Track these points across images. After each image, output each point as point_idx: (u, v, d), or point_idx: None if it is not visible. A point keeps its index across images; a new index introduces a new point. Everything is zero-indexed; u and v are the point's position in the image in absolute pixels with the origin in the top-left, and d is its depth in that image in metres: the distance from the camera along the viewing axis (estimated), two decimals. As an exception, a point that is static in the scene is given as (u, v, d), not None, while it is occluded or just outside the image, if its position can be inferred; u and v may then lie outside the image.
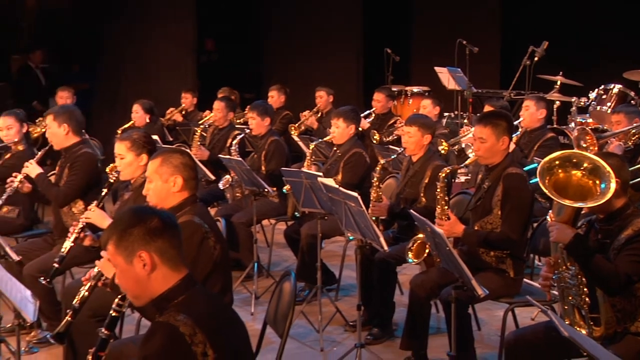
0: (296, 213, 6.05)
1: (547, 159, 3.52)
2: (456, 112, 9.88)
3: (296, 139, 8.36)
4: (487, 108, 7.07)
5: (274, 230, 6.87)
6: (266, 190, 6.09)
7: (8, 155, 6.13)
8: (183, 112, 9.71)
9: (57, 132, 5.29)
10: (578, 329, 3.46)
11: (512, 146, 5.20)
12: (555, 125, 8.07)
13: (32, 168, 5.29)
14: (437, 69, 10.28)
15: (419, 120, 5.39)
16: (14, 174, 5.35)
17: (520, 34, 12.04)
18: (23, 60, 12.74)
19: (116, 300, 2.68)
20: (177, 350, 2.31)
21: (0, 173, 5.96)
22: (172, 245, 2.49)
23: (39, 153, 5.47)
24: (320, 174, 5.35)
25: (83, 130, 5.63)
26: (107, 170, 5.30)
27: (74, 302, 3.62)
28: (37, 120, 8.54)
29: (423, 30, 13.35)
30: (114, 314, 2.68)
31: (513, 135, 5.43)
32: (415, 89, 10.52)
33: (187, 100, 9.83)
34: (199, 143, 7.57)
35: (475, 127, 4.59)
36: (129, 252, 2.45)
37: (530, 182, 4.50)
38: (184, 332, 2.32)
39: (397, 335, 5.18)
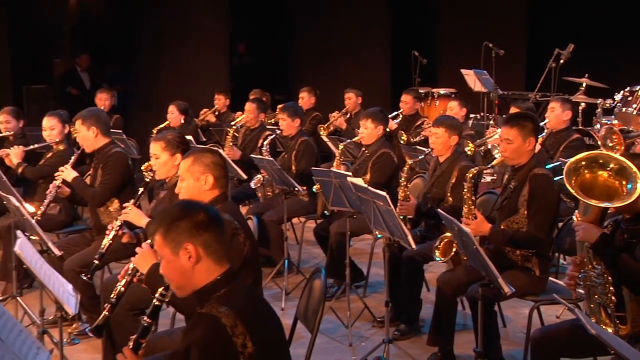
0: (325, 211, 6.05)
1: (573, 159, 3.48)
2: (482, 114, 9.81)
3: (325, 139, 8.36)
4: (513, 110, 7.02)
5: (303, 228, 6.89)
6: (296, 189, 6.10)
7: (50, 154, 6.22)
8: (216, 113, 9.76)
9: (86, 135, 5.33)
10: (604, 327, 3.42)
11: (538, 147, 5.16)
12: (580, 127, 7.99)
13: (68, 172, 5.35)
14: (463, 71, 10.23)
15: (446, 121, 5.36)
16: (52, 184, 5.38)
17: (546, 36, 11.92)
18: (68, 63, 12.89)
19: (160, 289, 2.69)
20: (219, 341, 2.33)
21: (42, 171, 6.08)
22: (217, 240, 2.51)
23: (73, 158, 5.50)
24: (349, 173, 5.35)
25: (111, 131, 5.66)
26: (143, 169, 5.35)
27: (111, 296, 3.66)
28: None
29: (449, 34, 13.27)
30: (156, 303, 2.70)
31: (539, 137, 5.38)
32: (442, 91, 10.49)
33: (220, 101, 9.89)
34: (231, 143, 7.60)
35: (501, 129, 4.55)
36: (176, 243, 2.47)
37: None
38: (225, 323, 2.34)
39: (423, 331, 5.16)
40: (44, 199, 5.49)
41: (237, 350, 2.33)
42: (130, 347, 2.61)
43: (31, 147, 6.38)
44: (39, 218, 5.18)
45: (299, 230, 7.08)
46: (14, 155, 6.12)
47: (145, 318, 2.69)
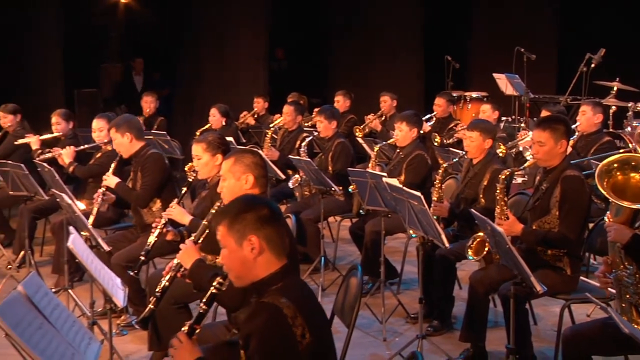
0: (361, 211, 6.03)
1: (605, 161, 3.44)
2: (513, 117, 9.73)
3: (360, 140, 8.35)
4: (544, 113, 6.94)
5: (339, 227, 6.89)
6: (333, 189, 6.10)
7: (99, 155, 6.32)
8: (255, 116, 9.81)
9: (122, 142, 5.39)
10: (636, 326, 3.36)
11: (569, 149, 5.10)
12: (611, 130, 7.87)
13: (110, 179, 5.41)
14: (495, 75, 10.15)
15: (480, 125, 5.32)
16: (97, 192, 5.44)
17: (576, 41, 11.77)
18: (116, 68, 13.07)
19: (217, 278, 2.69)
20: (280, 329, 2.33)
21: (92, 171, 6.16)
22: (278, 235, 2.52)
23: (113, 165, 5.53)
24: (385, 174, 5.34)
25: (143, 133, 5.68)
26: (186, 169, 5.39)
27: (156, 290, 3.70)
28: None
29: (481, 39, 13.19)
30: (213, 291, 2.69)
31: (570, 139, 5.31)
32: (474, 94, 10.43)
33: (259, 104, 9.93)
34: (270, 144, 7.64)
35: (534, 131, 4.51)
36: (240, 234, 2.48)
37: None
38: (287, 314, 2.35)
39: (455, 327, 5.14)
40: (93, 197, 5.57)
41: (296, 341, 2.33)
42: (185, 331, 2.61)
43: (81, 147, 6.50)
44: (93, 215, 5.24)
45: (335, 228, 7.09)
46: (66, 155, 6.24)
47: (201, 305, 2.69)
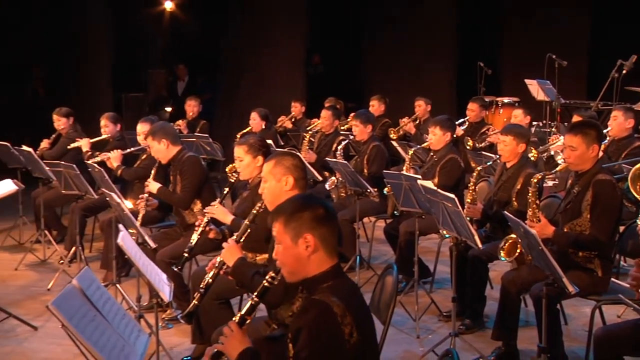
0: (395, 212, 6.03)
1: (638, 165, 3.39)
2: (544, 121, 9.62)
3: (395, 144, 8.33)
4: (576, 118, 6.85)
5: (374, 227, 6.89)
6: (368, 190, 6.10)
7: (144, 156, 6.40)
8: (293, 120, 9.83)
9: (159, 148, 5.43)
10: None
11: (600, 154, 5.03)
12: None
13: (152, 185, 5.47)
14: (527, 81, 10.06)
15: (514, 129, 5.27)
16: (140, 196, 5.50)
17: (607, 47, 11.60)
18: (160, 74, 13.22)
19: (270, 272, 2.69)
20: (329, 326, 2.33)
21: (137, 173, 6.23)
22: (332, 234, 2.51)
23: (152, 171, 5.59)
24: (419, 176, 5.32)
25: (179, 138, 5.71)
26: (227, 170, 5.43)
27: (200, 286, 3.72)
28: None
29: (513, 45, 13.07)
30: (266, 284, 2.69)
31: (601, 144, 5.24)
32: (506, 100, 10.35)
33: (297, 109, 9.95)
34: (307, 147, 7.65)
35: (565, 136, 4.46)
36: (297, 232, 2.48)
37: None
38: (337, 312, 2.33)
39: (487, 326, 5.10)
40: (138, 196, 5.63)
41: (344, 339, 2.32)
42: (236, 321, 2.62)
43: (128, 150, 6.59)
44: (135, 209, 5.30)
45: (370, 228, 7.09)
46: (114, 159, 6.31)
47: (253, 297, 2.70)
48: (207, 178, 5.52)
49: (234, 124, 11.26)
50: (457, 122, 7.75)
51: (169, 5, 14.77)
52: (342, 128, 8.63)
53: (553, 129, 9.00)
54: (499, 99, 10.41)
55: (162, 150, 5.42)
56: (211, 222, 4.64)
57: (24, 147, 6.96)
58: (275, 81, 12.04)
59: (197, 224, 4.66)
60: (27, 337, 5.03)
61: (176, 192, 5.43)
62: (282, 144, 9.16)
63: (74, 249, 6.60)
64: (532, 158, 6.05)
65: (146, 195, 5.46)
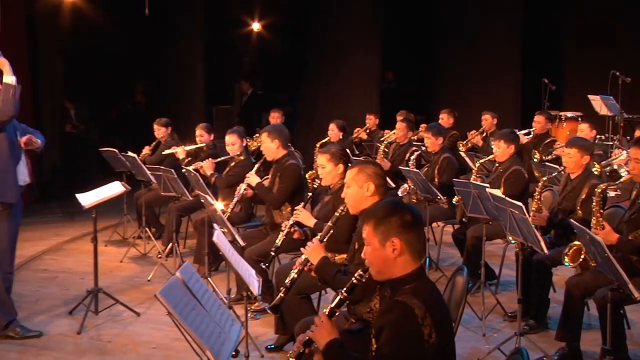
0: (464, 219, 5.96)
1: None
2: (607, 135, 9.31)
3: (463, 155, 8.23)
4: (639, 133, 6.61)
5: (442, 232, 6.84)
6: (438, 197, 6.05)
7: (233, 164, 6.49)
8: (367, 131, 9.82)
9: (270, 146, 5.49)
10: None
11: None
12: None
13: (252, 178, 5.54)
14: (590, 97, 9.76)
15: (578, 142, 5.14)
16: (239, 186, 5.61)
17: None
18: (249, 87, 13.43)
19: (359, 270, 2.69)
20: (409, 326, 2.32)
21: (228, 181, 6.29)
22: (418, 240, 2.49)
23: (256, 165, 5.68)
24: (488, 185, 5.24)
25: (289, 144, 5.81)
26: (307, 176, 5.47)
27: (285, 281, 3.74)
28: (254, 136, 8.97)
29: (577, 62, 12.72)
30: (354, 281, 2.69)
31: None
32: (569, 114, 10.06)
33: (371, 121, 9.94)
34: (382, 156, 7.64)
35: (631, 149, 4.32)
36: (384, 236, 2.46)
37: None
38: (417, 313, 2.32)
39: (550, 327, 4.97)
40: (227, 198, 5.74)
41: (423, 339, 2.30)
42: (326, 313, 2.62)
43: (219, 159, 6.70)
44: (228, 212, 5.41)
45: (438, 233, 7.03)
46: (207, 167, 6.42)
47: (342, 292, 2.70)
48: (301, 186, 5.55)
49: (312, 134, 11.35)
50: (522, 132, 7.60)
51: (256, 27, 15.01)
52: (413, 139, 8.59)
53: (616, 142, 8.70)
54: (562, 113, 10.14)
55: (272, 149, 5.49)
56: (295, 225, 4.70)
57: (129, 153, 7.18)
58: (352, 95, 12.09)
59: (283, 225, 4.72)
60: (132, 321, 5.19)
61: (272, 191, 5.49)
62: (357, 153, 9.17)
63: (170, 244, 6.79)
64: (596, 172, 5.87)
65: (245, 185, 5.53)
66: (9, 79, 4.49)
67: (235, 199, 5.54)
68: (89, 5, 10.96)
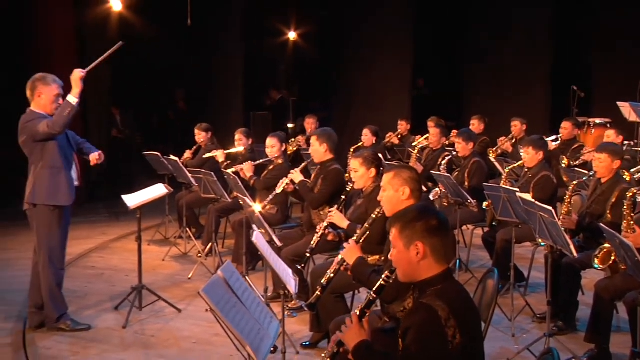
0: (494, 223, 5.90)
1: None
2: (636, 141, 9.11)
3: (493, 160, 8.15)
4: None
5: (472, 234, 6.77)
6: (468, 201, 6.00)
7: (272, 167, 6.53)
8: (399, 136, 9.79)
9: (318, 149, 5.50)
10: None
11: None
12: None
13: (297, 175, 5.55)
14: (619, 103, 9.55)
15: (608, 147, 5.06)
16: (281, 180, 5.62)
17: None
18: (277, 94, 13.50)
19: (386, 272, 2.69)
20: (433, 328, 2.31)
21: (267, 183, 6.30)
22: (442, 244, 2.47)
23: (302, 164, 5.71)
24: (517, 189, 5.18)
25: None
26: (340, 179, 5.44)
27: (322, 281, 3.74)
28: (290, 141, 9.01)
29: (606, 70, 12.47)
30: (382, 283, 2.69)
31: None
32: (598, 120, 9.88)
33: (403, 126, 9.90)
34: (415, 161, 7.61)
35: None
36: (409, 240, 2.45)
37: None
38: (441, 315, 2.31)
39: (579, 329, 4.89)
40: (265, 201, 5.76)
41: (447, 340, 2.29)
42: (357, 314, 2.63)
43: (258, 162, 6.75)
44: (262, 211, 5.42)
45: (468, 235, 6.96)
46: (247, 170, 6.47)
47: (371, 293, 2.71)
48: (341, 191, 5.55)
49: (346, 139, 11.32)
50: (550, 139, 7.50)
51: (292, 36, 15.07)
52: (445, 144, 8.52)
53: (644, 148, 8.53)
54: (591, 119, 9.96)
55: (320, 152, 5.50)
56: (330, 226, 4.70)
57: (171, 157, 7.27)
58: (384, 102, 12.05)
59: (317, 227, 4.73)
60: (173, 317, 5.25)
61: (313, 191, 5.48)
62: (390, 157, 9.14)
63: (210, 244, 6.85)
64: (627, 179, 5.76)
65: (288, 180, 5.53)
66: (72, 99, 4.60)
67: (274, 193, 5.53)
68: (134, 16, 11.15)
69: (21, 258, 6.95)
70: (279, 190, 5.55)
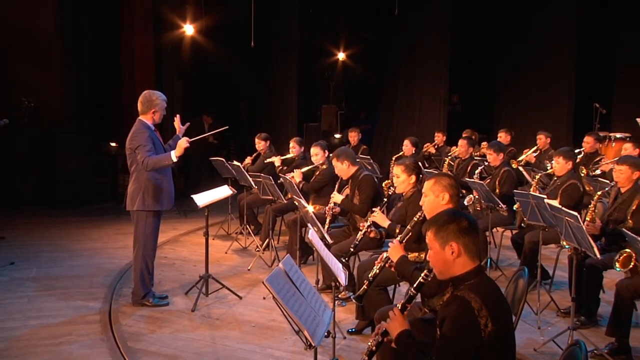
0: (522, 225, 5.80)
1: None
2: (654, 154, 8.80)
3: (521, 169, 8.00)
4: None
5: (502, 236, 6.67)
6: (499, 206, 5.90)
7: (318, 172, 6.56)
8: (436, 147, 9.72)
9: (342, 168, 5.51)
10: None
11: None
12: None
13: (337, 197, 5.56)
14: (638, 119, 9.26)
15: (629, 160, 4.92)
16: (328, 207, 5.62)
17: None
18: (336, 108, 13.50)
19: (425, 271, 2.69)
20: (467, 317, 2.30)
21: (314, 187, 6.34)
22: (474, 243, 2.47)
23: (336, 185, 5.70)
24: (545, 196, 5.08)
25: (357, 160, 5.77)
26: (383, 185, 5.43)
27: (368, 275, 3.74)
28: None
29: (625, 86, 12.11)
30: (421, 280, 2.69)
31: None
32: (618, 135, 9.59)
33: (439, 138, 9.83)
34: (447, 169, 7.53)
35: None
36: (444, 240, 2.45)
37: None
38: (474, 306, 2.29)
39: (600, 324, 4.77)
40: (316, 202, 5.76)
41: (480, 328, 2.27)
42: (399, 308, 2.64)
43: (305, 169, 6.78)
44: (315, 212, 5.44)
45: (498, 237, 6.86)
46: (297, 176, 6.51)
47: (411, 289, 2.71)
48: (378, 192, 5.53)
49: (388, 148, 11.34)
50: (573, 152, 7.29)
51: (341, 56, 15.13)
52: (475, 154, 8.42)
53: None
54: (612, 134, 9.68)
55: (344, 169, 5.50)
56: (372, 225, 4.70)
57: (234, 162, 7.36)
58: (423, 115, 12.01)
59: (361, 226, 4.73)
60: (235, 303, 5.30)
61: (354, 202, 5.47)
62: (427, 165, 9.07)
63: (267, 240, 6.90)
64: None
65: (332, 204, 5.55)
66: (174, 157, 4.82)
67: (328, 219, 5.52)
68: (205, 40, 11.38)
69: (107, 248, 7.16)
70: (329, 216, 5.49)
